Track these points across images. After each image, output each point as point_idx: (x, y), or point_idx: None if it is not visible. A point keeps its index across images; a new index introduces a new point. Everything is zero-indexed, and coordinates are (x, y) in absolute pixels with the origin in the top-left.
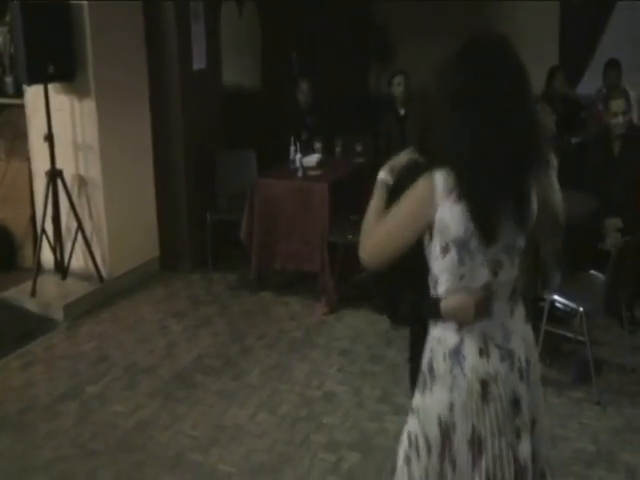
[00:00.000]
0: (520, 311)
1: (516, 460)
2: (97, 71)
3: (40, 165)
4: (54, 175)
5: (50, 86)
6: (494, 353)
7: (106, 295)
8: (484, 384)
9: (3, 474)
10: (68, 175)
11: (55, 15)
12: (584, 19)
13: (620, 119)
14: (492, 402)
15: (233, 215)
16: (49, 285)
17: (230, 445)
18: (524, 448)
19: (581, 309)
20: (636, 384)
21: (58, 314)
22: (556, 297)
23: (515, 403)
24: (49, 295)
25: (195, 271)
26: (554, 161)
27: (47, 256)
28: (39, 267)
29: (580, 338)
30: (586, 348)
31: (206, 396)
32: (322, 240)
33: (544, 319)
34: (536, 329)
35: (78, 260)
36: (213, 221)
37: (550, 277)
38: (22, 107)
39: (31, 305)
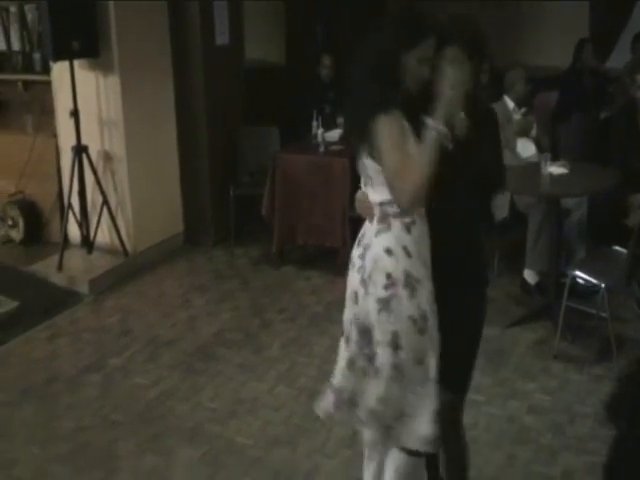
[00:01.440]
0: (382, 239)
1: None
2: (121, 47)
3: (66, 141)
4: (80, 151)
5: (75, 62)
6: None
7: (130, 269)
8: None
9: (26, 442)
10: (93, 151)
11: None
12: None
13: None
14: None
15: (255, 190)
16: (75, 259)
17: (248, 417)
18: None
19: (603, 285)
20: None
21: (84, 288)
22: (578, 273)
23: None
24: (75, 269)
25: (218, 246)
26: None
27: (73, 231)
28: (66, 241)
29: (602, 314)
30: (607, 324)
31: (226, 369)
32: (343, 215)
33: (565, 294)
34: (558, 305)
35: (103, 235)
36: (236, 196)
37: (574, 252)
38: (49, 83)
39: (57, 279)
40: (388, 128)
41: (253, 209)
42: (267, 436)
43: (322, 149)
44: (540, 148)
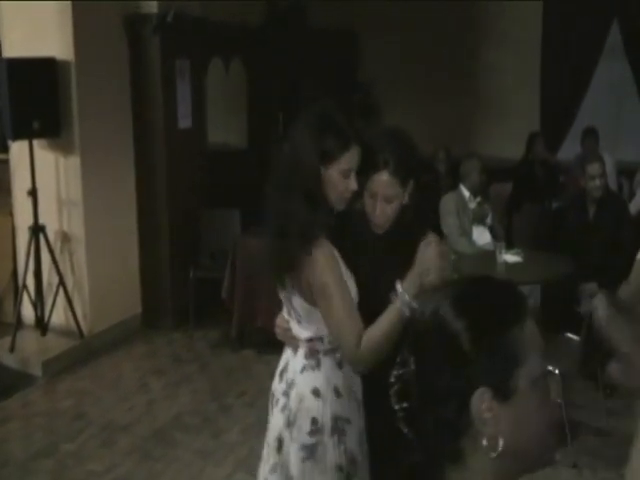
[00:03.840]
0: (309, 378)
1: None
2: (82, 128)
3: (23, 220)
4: (37, 230)
5: (35, 142)
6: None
7: (86, 351)
8: None
9: None
10: (51, 230)
11: (41, 71)
12: (564, 86)
13: (597, 182)
14: None
15: (216, 273)
16: (29, 340)
17: None
18: None
19: (557, 371)
20: (612, 447)
21: (37, 370)
22: None
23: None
24: (28, 350)
25: (177, 328)
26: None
27: (27, 311)
28: (19, 322)
29: (557, 400)
30: (562, 410)
31: (184, 454)
32: None
33: None
34: None
35: (59, 316)
36: (196, 278)
37: None
38: (6, 162)
39: (9, 360)
40: (324, 266)
41: (213, 291)
42: None
43: None
44: (495, 236)
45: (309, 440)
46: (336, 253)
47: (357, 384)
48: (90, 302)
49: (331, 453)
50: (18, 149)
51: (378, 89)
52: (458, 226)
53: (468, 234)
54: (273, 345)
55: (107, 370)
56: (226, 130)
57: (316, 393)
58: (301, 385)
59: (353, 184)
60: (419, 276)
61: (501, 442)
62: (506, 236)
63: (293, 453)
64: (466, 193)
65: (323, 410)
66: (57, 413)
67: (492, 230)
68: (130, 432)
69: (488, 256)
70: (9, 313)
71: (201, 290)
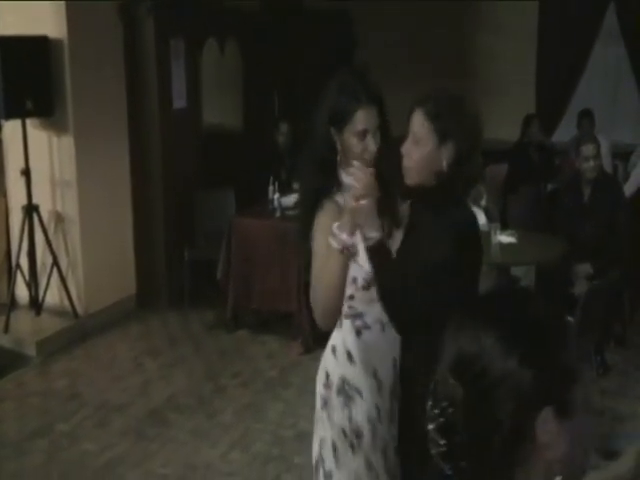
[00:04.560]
0: (334, 334)
1: None
2: (76, 107)
3: (16, 200)
4: (30, 210)
5: (28, 121)
6: None
7: (81, 332)
8: None
9: None
10: (45, 210)
11: (34, 50)
12: (560, 69)
13: (591, 163)
14: None
15: (211, 254)
16: (23, 321)
17: None
18: None
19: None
20: (604, 427)
21: (31, 350)
22: None
23: None
24: (22, 331)
25: (172, 309)
26: None
27: (22, 291)
28: (13, 302)
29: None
30: None
31: (178, 434)
32: (298, 280)
33: None
34: None
35: (53, 296)
36: (191, 259)
37: None
38: None
39: (4, 341)
40: (317, 228)
41: (208, 273)
42: None
43: (278, 214)
44: (490, 217)
45: (323, 392)
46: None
47: (378, 358)
48: (84, 282)
49: (337, 412)
50: (11, 129)
51: (373, 71)
52: None
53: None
54: (268, 326)
55: (102, 350)
56: (221, 111)
57: (333, 350)
58: (330, 340)
59: (371, 145)
60: (348, 213)
61: (561, 464)
62: (501, 217)
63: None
64: None
65: (334, 367)
66: (51, 393)
67: (487, 211)
68: (125, 412)
69: (483, 237)
70: (3, 293)
71: (196, 271)
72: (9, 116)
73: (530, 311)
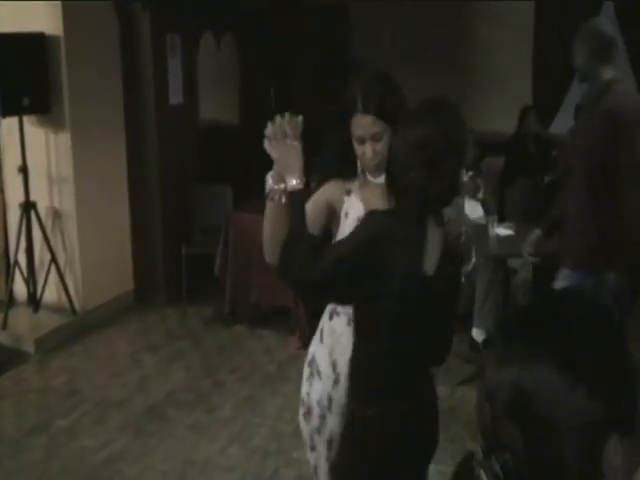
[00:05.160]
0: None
1: None
2: (72, 104)
3: (14, 197)
4: (28, 207)
5: (25, 118)
6: None
7: (79, 328)
8: None
9: None
10: (42, 207)
11: (31, 47)
12: (557, 60)
13: None
14: None
15: (208, 249)
16: (21, 317)
17: (199, 478)
18: None
19: None
20: None
21: (29, 347)
22: None
23: None
24: (20, 328)
25: (170, 304)
26: None
27: (20, 288)
28: (11, 299)
29: None
30: None
31: (177, 430)
32: None
33: None
34: None
35: (51, 293)
36: (188, 255)
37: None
38: None
39: (2, 338)
40: (314, 192)
41: (206, 268)
42: None
43: None
44: (487, 210)
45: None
46: (334, 198)
47: (343, 361)
48: (82, 279)
49: (303, 380)
50: (8, 126)
51: (370, 64)
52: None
53: (460, 208)
54: (266, 321)
55: (100, 346)
56: (218, 106)
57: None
58: None
59: (368, 152)
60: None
61: None
62: (498, 210)
63: None
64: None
65: (313, 341)
66: (50, 390)
67: (484, 204)
68: (124, 408)
69: (480, 229)
70: (1, 290)
71: (194, 266)
72: (6, 113)
73: (586, 329)
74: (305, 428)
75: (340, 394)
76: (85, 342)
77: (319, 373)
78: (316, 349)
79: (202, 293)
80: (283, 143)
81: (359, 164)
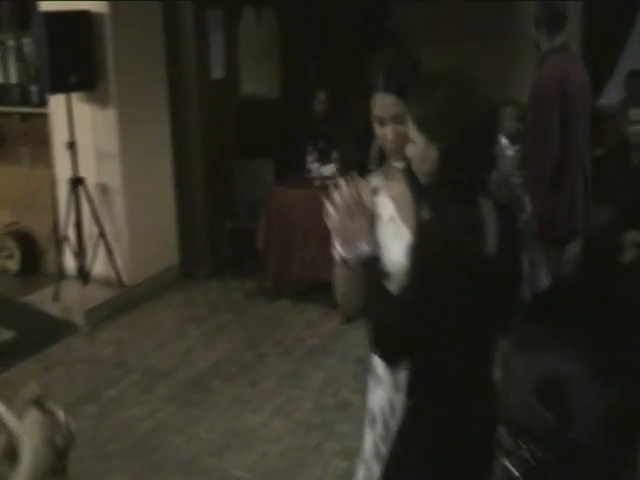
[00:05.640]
0: None
1: None
2: (118, 80)
3: (63, 172)
4: (76, 182)
5: (73, 95)
6: None
7: (126, 301)
8: None
9: None
10: (90, 182)
11: (77, 25)
12: (607, 27)
13: (639, 128)
14: None
15: (251, 223)
16: (71, 290)
17: (244, 450)
18: None
19: None
20: None
21: (79, 319)
22: None
23: None
24: (71, 300)
25: (213, 278)
26: None
27: (69, 262)
28: (61, 272)
29: None
30: None
31: (221, 401)
32: None
33: None
34: None
35: (99, 266)
36: (231, 229)
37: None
38: (46, 116)
39: (53, 309)
40: None
41: (248, 241)
42: (263, 469)
43: (317, 183)
44: None
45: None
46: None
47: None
48: (129, 252)
49: (368, 390)
50: (56, 103)
51: (410, 35)
52: (497, 176)
53: (508, 184)
54: (308, 295)
55: (146, 319)
56: (258, 80)
57: None
58: None
59: (388, 134)
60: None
61: None
62: None
63: None
64: (504, 141)
65: None
66: (99, 360)
67: None
68: (169, 379)
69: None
70: (52, 264)
71: (236, 240)
72: (55, 91)
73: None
74: (370, 436)
75: (401, 399)
76: (131, 314)
77: (380, 381)
78: (375, 357)
79: (245, 267)
80: (349, 216)
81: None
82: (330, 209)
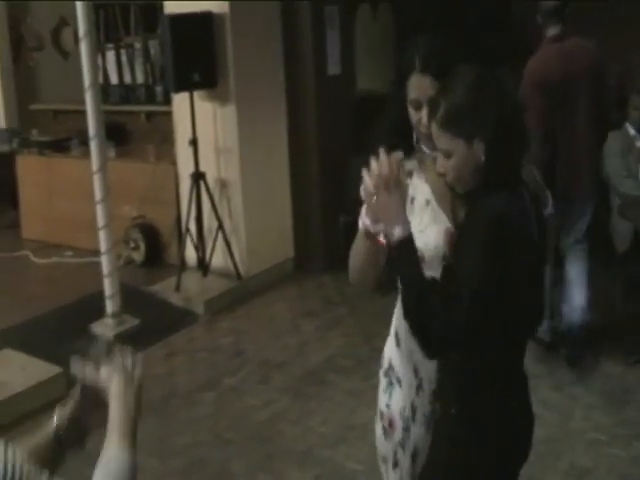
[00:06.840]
0: None
1: None
2: (237, 78)
3: (185, 168)
4: (198, 178)
5: (195, 93)
6: None
7: (243, 292)
8: None
9: (147, 454)
10: (210, 177)
11: (200, 26)
12: None
13: None
14: None
15: None
16: (192, 281)
17: (358, 443)
18: None
19: None
20: None
21: (199, 308)
22: None
23: None
24: (191, 290)
25: (327, 272)
26: None
27: (190, 254)
28: (183, 264)
29: None
30: None
31: (336, 394)
32: None
33: None
34: None
35: (218, 258)
36: (345, 223)
37: None
38: (170, 114)
39: (175, 299)
40: None
41: None
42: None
43: None
44: None
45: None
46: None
47: (425, 365)
48: (246, 246)
49: (380, 392)
50: (179, 101)
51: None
52: (623, 167)
53: (635, 175)
54: None
55: (262, 310)
56: (375, 75)
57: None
58: None
59: (424, 118)
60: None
61: None
62: None
63: None
64: (632, 131)
65: (387, 347)
66: (218, 349)
67: None
68: (285, 370)
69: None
70: (174, 255)
71: (350, 235)
72: (178, 89)
73: None
74: (385, 445)
75: (424, 401)
76: (248, 306)
77: (399, 381)
78: (392, 354)
79: None
80: (386, 194)
81: (415, 136)
82: (367, 179)
